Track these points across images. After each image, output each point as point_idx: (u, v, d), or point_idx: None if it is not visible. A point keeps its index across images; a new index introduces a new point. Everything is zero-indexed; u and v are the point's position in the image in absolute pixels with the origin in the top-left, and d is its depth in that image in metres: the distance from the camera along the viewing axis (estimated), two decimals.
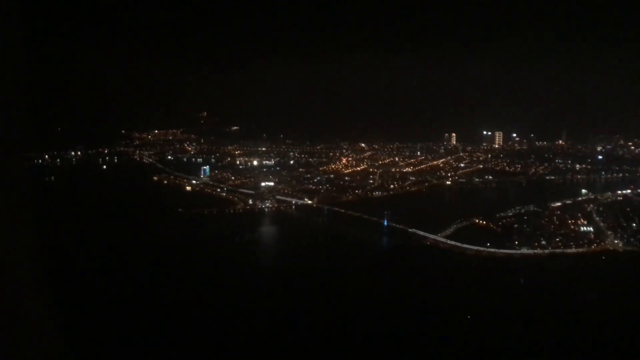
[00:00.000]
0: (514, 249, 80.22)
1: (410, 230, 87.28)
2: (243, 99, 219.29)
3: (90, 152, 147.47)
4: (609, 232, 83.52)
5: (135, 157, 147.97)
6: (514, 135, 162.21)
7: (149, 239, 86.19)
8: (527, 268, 73.89)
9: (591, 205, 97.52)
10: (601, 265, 73.11)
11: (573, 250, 78.53)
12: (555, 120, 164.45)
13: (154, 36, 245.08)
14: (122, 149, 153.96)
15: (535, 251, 79.04)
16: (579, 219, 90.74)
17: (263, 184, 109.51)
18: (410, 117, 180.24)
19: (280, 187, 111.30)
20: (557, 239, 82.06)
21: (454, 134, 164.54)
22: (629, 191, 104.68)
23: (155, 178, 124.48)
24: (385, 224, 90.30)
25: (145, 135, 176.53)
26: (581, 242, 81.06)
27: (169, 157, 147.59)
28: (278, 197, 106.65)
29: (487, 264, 76.12)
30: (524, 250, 79.25)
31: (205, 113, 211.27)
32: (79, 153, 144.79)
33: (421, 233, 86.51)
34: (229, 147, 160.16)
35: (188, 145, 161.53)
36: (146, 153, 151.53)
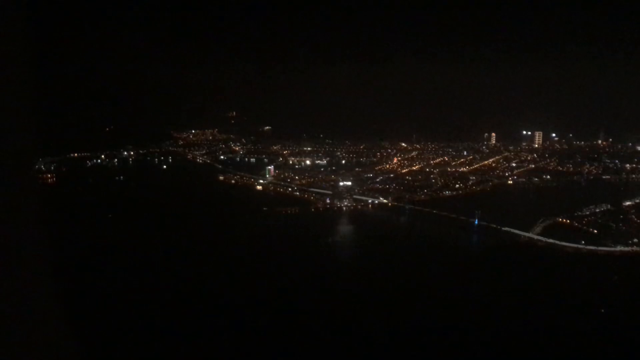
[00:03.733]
0: (610, 246, 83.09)
1: (503, 229, 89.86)
2: (268, 99, 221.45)
3: (141, 152, 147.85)
4: None
5: (189, 157, 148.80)
6: (553, 135, 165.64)
7: (245, 237, 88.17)
8: (634, 264, 76.85)
9: None
10: None
11: None
12: (591, 120, 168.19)
13: (182, 36, 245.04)
14: (170, 149, 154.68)
15: (633, 248, 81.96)
16: None
17: (341, 183, 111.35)
18: (447, 116, 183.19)
19: (354, 186, 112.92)
20: None
21: (493, 134, 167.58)
22: None
23: (221, 177, 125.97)
24: (476, 222, 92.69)
25: (185, 135, 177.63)
26: None
27: (222, 157, 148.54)
28: (355, 196, 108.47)
29: (593, 260, 78.94)
30: (622, 248, 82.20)
31: (234, 113, 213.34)
32: (131, 153, 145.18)
33: (515, 231, 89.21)
34: (274, 147, 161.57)
35: (234, 146, 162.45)
36: (197, 153, 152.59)
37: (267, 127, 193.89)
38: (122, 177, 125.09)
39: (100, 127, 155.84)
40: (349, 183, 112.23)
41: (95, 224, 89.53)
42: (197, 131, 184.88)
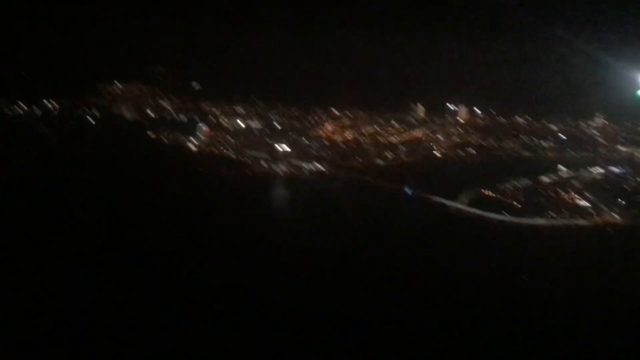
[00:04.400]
0: (531, 218, 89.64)
1: (434, 199, 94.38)
2: (196, 56, 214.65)
3: (64, 103, 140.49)
4: (603, 207, 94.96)
5: (116, 111, 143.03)
6: (476, 109, 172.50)
7: (179, 199, 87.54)
8: (556, 237, 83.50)
9: (575, 181, 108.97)
10: (614, 237, 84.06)
11: (584, 222, 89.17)
12: (512, 98, 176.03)
13: None
14: (97, 102, 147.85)
15: (552, 222, 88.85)
16: (572, 194, 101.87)
17: (280, 148, 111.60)
18: (376, 86, 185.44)
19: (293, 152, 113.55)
20: (565, 212, 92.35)
21: (420, 106, 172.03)
22: (601, 170, 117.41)
23: (150, 134, 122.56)
24: (410, 192, 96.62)
25: (110, 89, 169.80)
26: (584, 215, 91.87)
27: (151, 113, 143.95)
28: (293, 162, 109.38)
29: (515, 232, 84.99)
30: (542, 221, 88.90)
31: (161, 68, 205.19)
32: (54, 103, 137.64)
33: (445, 202, 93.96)
34: (205, 106, 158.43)
35: (163, 102, 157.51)
36: (124, 107, 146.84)
37: (196, 85, 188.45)
38: (47, 131, 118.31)
39: (16, 73, 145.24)
40: (288, 149, 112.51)
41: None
42: (123, 84, 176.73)
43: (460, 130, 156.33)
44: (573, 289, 67.18)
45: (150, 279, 62.50)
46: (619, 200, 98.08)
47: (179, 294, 59.39)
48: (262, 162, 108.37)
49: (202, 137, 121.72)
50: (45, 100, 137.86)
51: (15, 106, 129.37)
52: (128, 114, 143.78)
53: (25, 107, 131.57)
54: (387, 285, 66.29)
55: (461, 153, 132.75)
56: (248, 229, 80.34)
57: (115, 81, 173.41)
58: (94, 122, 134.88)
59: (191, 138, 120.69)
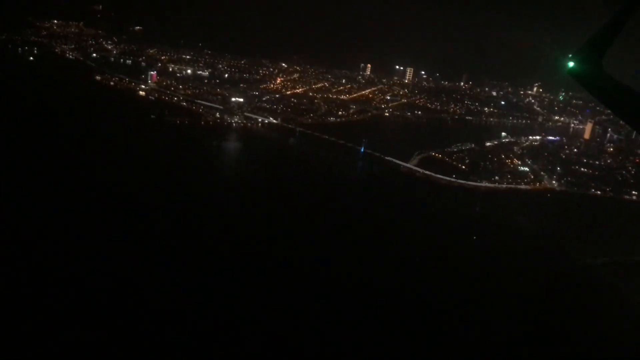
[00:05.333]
0: (477, 182, 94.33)
1: (386, 158, 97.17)
2: None
3: None
4: (542, 173, 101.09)
5: (56, 50, 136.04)
6: (422, 72, 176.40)
7: (136, 145, 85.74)
8: (497, 199, 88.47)
9: (516, 148, 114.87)
10: (551, 201, 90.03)
11: (523, 187, 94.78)
12: (456, 62, 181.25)
13: None
14: (33, 38, 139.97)
15: (495, 185, 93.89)
16: (513, 159, 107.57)
17: (233, 99, 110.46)
18: (325, 41, 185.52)
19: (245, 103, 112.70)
20: (507, 176, 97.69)
21: (369, 65, 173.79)
22: (539, 137, 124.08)
23: (98, 78, 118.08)
24: (362, 150, 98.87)
25: (48, 25, 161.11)
26: (526, 180, 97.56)
27: (94, 54, 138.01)
28: (245, 113, 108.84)
29: (462, 193, 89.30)
30: (486, 184, 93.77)
31: (100, 6, 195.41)
32: None
33: (396, 161, 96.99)
34: (150, 51, 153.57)
35: (106, 44, 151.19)
36: (65, 47, 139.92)
37: (138, 27, 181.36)
38: None
39: None
40: (241, 100, 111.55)
41: None
42: (60, 22, 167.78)
43: (407, 91, 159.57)
44: (508, 247, 71.64)
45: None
46: (557, 167, 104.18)
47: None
48: (216, 113, 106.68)
49: (151, 83, 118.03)
50: None
51: None
52: (70, 53, 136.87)
53: None
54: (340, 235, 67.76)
55: (408, 114, 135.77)
56: (203, 177, 79.89)
57: (54, 19, 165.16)
58: (32, 59, 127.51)
59: (140, 83, 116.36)
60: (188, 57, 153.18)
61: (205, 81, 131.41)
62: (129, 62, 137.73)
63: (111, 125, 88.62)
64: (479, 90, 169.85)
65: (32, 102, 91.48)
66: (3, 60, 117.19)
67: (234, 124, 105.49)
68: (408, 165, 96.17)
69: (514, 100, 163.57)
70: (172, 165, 79.41)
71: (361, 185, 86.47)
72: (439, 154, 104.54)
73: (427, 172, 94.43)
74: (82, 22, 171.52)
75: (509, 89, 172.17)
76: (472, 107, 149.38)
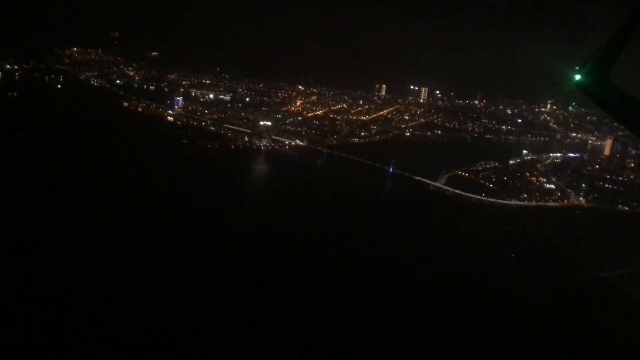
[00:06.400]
0: (506, 199, 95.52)
1: (415, 177, 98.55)
2: (153, 22, 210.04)
3: (25, 67, 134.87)
4: (569, 190, 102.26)
5: (81, 77, 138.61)
6: (437, 92, 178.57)
7: (172, 172, 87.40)
8: (530, 217, 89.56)
9: (539, 165, 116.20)
10: (582, 218, 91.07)
11: (552, 204, 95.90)
12: (470, 81, 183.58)
13: None
14: (58, 66, 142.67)
15: (525, 203, 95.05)
16: (538, 177, 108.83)
17: (261, 122, 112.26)
18: (341, 63, 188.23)
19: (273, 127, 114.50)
20: (535, 194, 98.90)
21: (384, 85, 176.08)
22: (560, 154, 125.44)
23: (125, 104, 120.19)
24: (391, 170, 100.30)
25: (69, 53, 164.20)
26: (553, 198, 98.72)
27: (117, 81, 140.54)
28: (273, 137, 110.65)
29: (494, 211, 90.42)
30: (516, 202, 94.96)
31: (116, 33, 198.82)
32: (15, 67, 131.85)
33: (425, 181, 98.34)
34: (171, 76, 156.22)
35: (128, 70, 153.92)
36: (89, 74, 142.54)
37: (155, 53, 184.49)
38: (15, 94, 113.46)
39: None
40: (269, 123, 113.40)
41: None
42: (80, 49, 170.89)
43: (424, 110, 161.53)
44: (546, 263, 72.72)
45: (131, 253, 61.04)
46: (582, 184, 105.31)
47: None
48: (245, 137, 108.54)
49: (178, 108, 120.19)
50: (6, 64, 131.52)
51: None
52: (94, 80, 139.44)
53: None
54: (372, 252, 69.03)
55: (428, 133, 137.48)
56: (237, 202, 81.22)
57: (74, 47, 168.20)
58: (59, 86, 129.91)
59: (167, 109, 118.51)
60: (208, 81, 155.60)
61: (229, 105, 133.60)
62: (152, 87, 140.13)
63: (147, 152, 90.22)
64: (493, 108, 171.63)
65: (66, 129, 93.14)
66: (34, 88, 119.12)
67: (263, 147, 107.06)
68: (437, 184, 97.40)
69: (530, 117, 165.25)
70: (212, 189, 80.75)
71: (395, 206, 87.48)
72: (465, 173, 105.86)
73: (456, 191, 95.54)
74: (100, 49, 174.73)
75: (523, 107, 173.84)
76: (489, 126, 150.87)
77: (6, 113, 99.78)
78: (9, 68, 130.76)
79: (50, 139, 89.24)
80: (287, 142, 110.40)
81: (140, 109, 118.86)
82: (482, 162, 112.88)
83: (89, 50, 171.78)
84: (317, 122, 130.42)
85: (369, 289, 58.87)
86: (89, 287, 51.50)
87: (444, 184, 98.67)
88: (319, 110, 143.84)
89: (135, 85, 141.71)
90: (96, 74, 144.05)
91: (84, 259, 55.74)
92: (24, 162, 79.71)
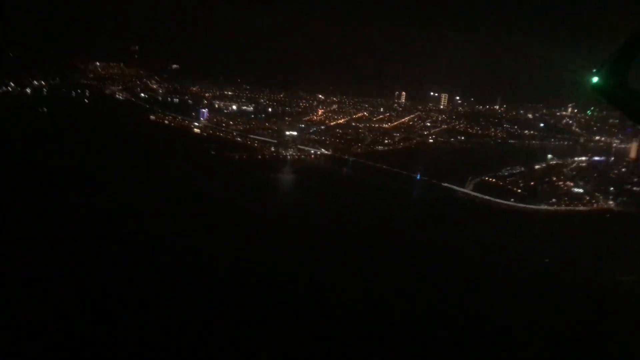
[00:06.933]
0: (535, 204, 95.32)
1: (443, 184, 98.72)
2: (172, 35, 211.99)
3: (52, 82, 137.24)
4: (597, 194, 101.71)
5: (107, 91, 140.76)
6: (457, 98, 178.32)
7: (202, 182, 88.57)
8: (560, 221, 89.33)
9: (565, 170, 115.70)
10: (612, 221, 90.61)
11: (581, 208, 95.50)
12: (489, 86, 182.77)
13: None
14: (83, 81, 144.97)
15: (554, 207, 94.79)
16: (565, 181, 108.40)
17: (287, 132, 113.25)
18: (359, 71, 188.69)
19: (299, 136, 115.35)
20: (564, 198, 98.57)
21: (403, 93, 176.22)
22: (585, 158, 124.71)
23: (152, 117, 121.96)
24: (418, 177, 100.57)
25: (92, 68, 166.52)
26: (582, 202, 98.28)
27: (142, 94, 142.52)
28: (299, 146, 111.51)
29: (524, 216, 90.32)
30: (545, 207, 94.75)
31: (136, 47, 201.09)
32: (42, 82, 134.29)
33: (453, 187, 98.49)
34: (193, 88, 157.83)
35: (151, 83, 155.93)
36: (114, 88, 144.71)
37: (176, 66, 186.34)
38: (45, 110, 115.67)
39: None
40: (295, 133, 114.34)
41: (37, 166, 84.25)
42: (103, 64, 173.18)
43: (445, 117, 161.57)
44: (575, 267, 72.52)
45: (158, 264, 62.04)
46: (610, 187, 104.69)
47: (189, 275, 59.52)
48: (271, 147, 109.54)
49: (203, 120, 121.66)
50: (34, 80, 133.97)
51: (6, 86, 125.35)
52: (119, 94, 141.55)
53: (15, 86, 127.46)
54: (398, 259, 69.30)
55: (452, 139, 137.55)
56: (265, 211, 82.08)
57: (96, 61, 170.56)
58: (86, 101, 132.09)
59: (193, 121, 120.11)
60: (230, 93, 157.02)
61: (252, 116, 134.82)
62: (176, 100, 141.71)
63: (178, 164, 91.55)
64: (515, 113, 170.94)
65: (98, 142, 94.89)
66: (63, 103, 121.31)
67: (289, 157, 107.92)
68: (465, 190, 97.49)
69: (552, 121, 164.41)
70: (245, 199, 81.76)
71: (426, 213, 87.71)
72: (492, 179, 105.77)
73: (485, 197, 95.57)
74: (122, 63, 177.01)
75: (544, 111, 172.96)
76: (512, 131, 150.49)
77: (39, 128, 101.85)
78: (36, 84, 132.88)
79: (83, 152, 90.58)
80: (312, 151, 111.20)
81: (166, 122, 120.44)
82: (508, 168, 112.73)
83: (112, 64, 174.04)
84: (340, 131, 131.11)
85: (406, 299, 59.09)
86: (129, 297, 52.43)
87: (472, 190, 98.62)
88: (340, 119, 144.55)
89: (160, 98, 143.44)
90: (120, 87, 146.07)
91: (117, 271, 56.69)
92: (58, 175, 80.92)
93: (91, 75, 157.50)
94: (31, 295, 50.20)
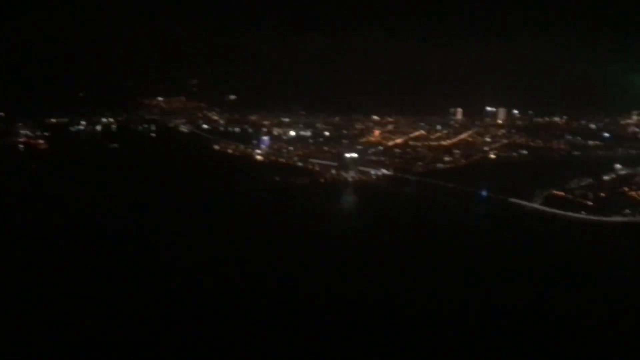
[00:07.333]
0: (609, 216, 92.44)
1: (510, 200, 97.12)
2: (228, 68, 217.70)
3: (119, 119, 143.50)
4: None
5: (170, 125, 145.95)
6: (515, 111, 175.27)
7: (269, 207, 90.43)
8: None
9: (636, 179, 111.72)
10: None
11: None
12: (548, 97, 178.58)
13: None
14: (147, 116, 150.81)
15: (628, 218, 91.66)
16: (637, 191, 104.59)
17: (347, 155, 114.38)
18: (413, 91, 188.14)
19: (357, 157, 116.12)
20: (638, 208, 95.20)
21: (459, 109, 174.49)
22: None
23: (216, 147, 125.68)
24: (484, 194, 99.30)
25: (155, 103, 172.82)
26: None
27: (204, 126, 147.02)
28: (359, 168, 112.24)
29: (598, 229, 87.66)
30: (619, 218, 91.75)
31: (195, 80, 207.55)
32: (110, 120, 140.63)
33: (521, 202, 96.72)
34: (252, 117, 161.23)
35: (212, 115, 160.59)
36: (178, 122, 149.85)
37: (232, 96, 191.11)
38: (116, 145, 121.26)
39: (72, 93, 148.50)
40: (355, 155, 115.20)
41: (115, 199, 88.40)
42: (164, 99, 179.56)
43: (504, 131, 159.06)
44: None
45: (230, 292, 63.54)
46: None
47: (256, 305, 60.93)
48: (332, 170, 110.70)
49: (265, 147, 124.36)
50: (102, 117, 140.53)
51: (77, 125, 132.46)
52: (183, 127, 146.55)
53: (87, 124, 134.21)
54: (469, 285, 68.07)
55: (514, 154, 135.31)
56: (331, 235, 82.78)
57: (158, 97, 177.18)
58: (153, 135, 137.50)
59: (255, 149, 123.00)
60: (287, 119, 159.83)
61: (310, 141, 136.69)
62: (237, 129, 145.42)
63: (245, 190, 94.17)
64: (576, 124, 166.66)
65: (171, 173, 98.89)
66: (132, 138, 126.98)
67: (351, 179, 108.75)
68: (534, 205, 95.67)
69: (616, 130, 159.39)
70: (314, 224, 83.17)
71: (500, 230, 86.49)
72: (560, 192, 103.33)
73: (556, 210, 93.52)
74: (182, 97, 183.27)
75: (607, 120, 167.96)
76: (575, 142, 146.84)
77: (113, 163, 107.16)
78: (105, 121, 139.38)
79: (156, 183, 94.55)
80: (373, 172, 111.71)
81: (230, 150, 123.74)
82: (575, 180, 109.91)
83: (173, 99, 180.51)
84: (399, 150, 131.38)
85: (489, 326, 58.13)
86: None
87: (541, 205, 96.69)
88: (398, 139, 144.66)
89: (221, 128, 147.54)
90: (183, 120, 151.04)
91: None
92: (136, 205, 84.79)
93: (155, 110, 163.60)
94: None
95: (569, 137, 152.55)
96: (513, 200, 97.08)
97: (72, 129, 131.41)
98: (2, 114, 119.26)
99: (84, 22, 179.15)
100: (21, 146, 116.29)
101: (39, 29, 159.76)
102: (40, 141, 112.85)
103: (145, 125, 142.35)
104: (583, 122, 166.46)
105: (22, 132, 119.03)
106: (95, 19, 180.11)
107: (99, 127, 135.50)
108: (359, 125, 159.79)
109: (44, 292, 58.23)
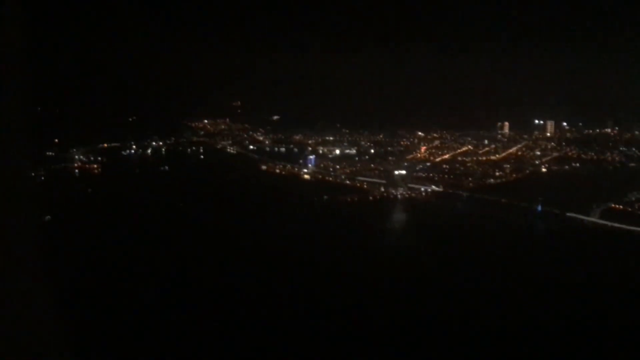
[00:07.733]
0: None
1: (567, 214, 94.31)
2: (272, 89, 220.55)
3: (168, 142, 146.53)
4: None
5: (218, 147, 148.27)
6: (564, 123, 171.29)
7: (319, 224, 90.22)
8: None
9: None
10: None
11: None
12: (598, 108, 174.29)
13: (182, 24, 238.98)
14: (195, 139, 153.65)
15: None
16: None
17: (396, 172, 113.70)
18: (459, 105, 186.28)
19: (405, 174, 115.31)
20: None
21: (506, 123, 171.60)
22: None
23: (263, 167, 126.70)
24: (539, 208, 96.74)
25: (202, 125, 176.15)
26: None
27: (250, 147, 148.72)
28: (409, 184, 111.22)
29: None
30: None
31: (239, 102, 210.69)
32: (160, 143, 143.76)
33: (579, 216, 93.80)
34: (296, 137, 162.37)
35: (257, 136, 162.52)
36: (225, 143, 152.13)
37: (276, 117, 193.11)
38: (166, 167, 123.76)
39: (122, 118, 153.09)
40: (404, 172, 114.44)
41: (169, 216, 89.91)
42: (210, 121, 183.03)
43: (554, 144, 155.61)
44: None
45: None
46: None
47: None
48: (381, 187, 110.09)
49: (311, 166, 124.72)
50: (152, 141, 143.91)
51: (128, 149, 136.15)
52: (230, 148, 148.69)
53: (137, 148, 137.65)
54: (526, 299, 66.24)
55: (566, 167, 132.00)
56: (387, 252, 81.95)
57: (204, 119, 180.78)
58: (202, 157, 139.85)
59: (302, 168, 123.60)
60: (331, 138, 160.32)
61: (356, 159, 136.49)
62: (282, 149, 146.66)
63: (296, 209, 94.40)
64: (629, 135, 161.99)
65: (222, 193, 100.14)
66: (182, 160, 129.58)
67: (400, 196, 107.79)
68: (592, 219, 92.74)
69: None
70: (367, 241, 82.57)
71: (563, 245, 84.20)
72: (618, 205, 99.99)
73: (615, 224, 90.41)
74: (228, 119, 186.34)
75: None
76: (629, 153, 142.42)
77: (165, 185, 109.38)
78: (155, 145, 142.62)
79: (207, 204, 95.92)
80: (423, 189, 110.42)
81: (277, 170, 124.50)
82: (634, 192, 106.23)
83: (218, 120, 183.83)
84: (447, 166, 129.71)
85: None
86: None
87: (600, 219, 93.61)
88: (445, 155, 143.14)
89: (267, 148, 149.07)
90: (230, 142, 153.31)
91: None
92: (190, 225, 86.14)
93: (202, 133, 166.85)
94: None
95: (623, 148, 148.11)
96: (570, 214, 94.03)
97: (123, 152, 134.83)
98: (57, 140, 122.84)
99: (131, 51, 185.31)
100: (76, 171, 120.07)
101: (91, 60, 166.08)
102: (94, 165, 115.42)
103: (194, 148, 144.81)
104: (637, 132, 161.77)
105: (77, 157, 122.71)
106: (141, 48, 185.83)
107: (149, 151, 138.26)
108: (403, 142, 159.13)
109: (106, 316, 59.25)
